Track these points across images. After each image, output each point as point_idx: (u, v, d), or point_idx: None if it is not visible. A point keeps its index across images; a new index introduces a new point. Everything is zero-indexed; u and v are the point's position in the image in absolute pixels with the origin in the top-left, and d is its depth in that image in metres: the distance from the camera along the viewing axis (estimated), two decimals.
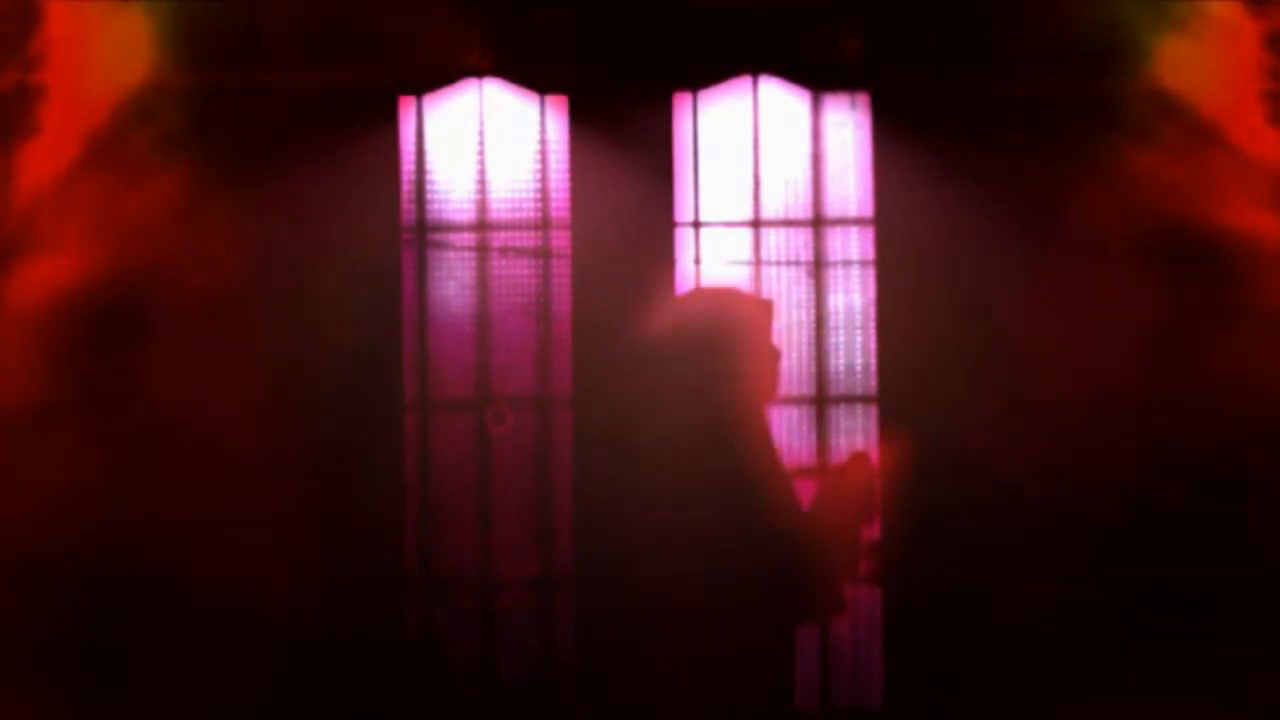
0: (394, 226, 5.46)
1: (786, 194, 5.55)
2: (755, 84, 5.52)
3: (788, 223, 5.55)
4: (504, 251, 5.51)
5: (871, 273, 5.51)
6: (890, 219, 5.47)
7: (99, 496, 5.11)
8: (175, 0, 5.15)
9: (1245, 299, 5.22)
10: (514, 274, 5.52)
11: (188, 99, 5.20)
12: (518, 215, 5.52)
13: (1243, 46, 5.12)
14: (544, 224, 5.51)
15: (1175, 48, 5.17)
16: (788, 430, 5.47)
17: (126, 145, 5.12)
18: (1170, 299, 5.29)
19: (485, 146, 5.51)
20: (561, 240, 5.50)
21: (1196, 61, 5.16)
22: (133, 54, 5.12)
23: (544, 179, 5.51)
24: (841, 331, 5.53)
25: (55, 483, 5.03)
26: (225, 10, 5.19)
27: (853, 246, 5.53)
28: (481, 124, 5.51)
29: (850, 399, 5.52)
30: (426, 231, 5.50)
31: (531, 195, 5.52)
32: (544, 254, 5.51)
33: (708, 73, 5.47)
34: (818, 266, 5.53)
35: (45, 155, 5.03)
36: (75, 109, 5.05)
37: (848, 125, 5.54)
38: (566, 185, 5.50)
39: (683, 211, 5.50)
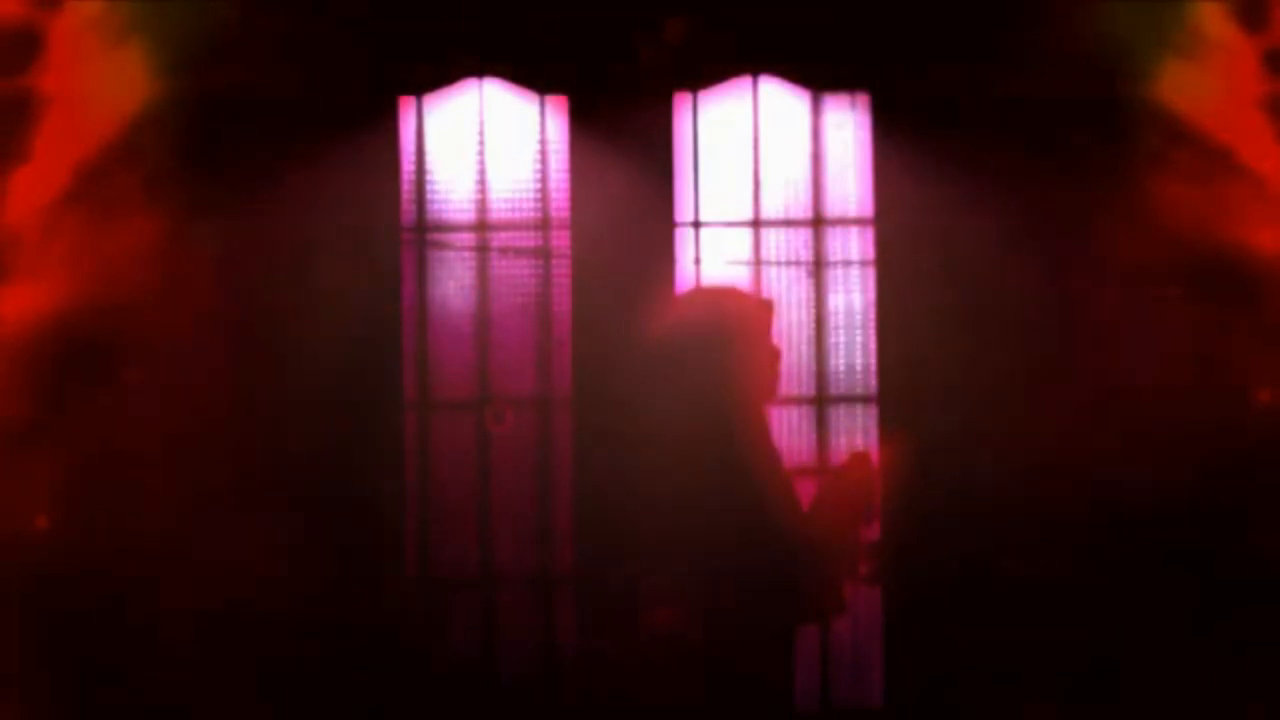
0: (394, 226, 5.46)
1: (786, 194, 5.55)
2: (755, 84, 5.52)
3: (788, 223, 5.55)
4: (504, 251, 5.51)
5: (871, 273, 5.51)
6: (890, 219, 5.47)
7: (97, 504, 5.12)
8: (172, 6, 5.15)
9: (1246, 303, 5.23)
10: (514, 274, 5.52)
11: (186, 102, 5.20)
12: (518, 215, 5.52)
13: (1241, 64, 5.13)
14: (544, 224, 5.52)
15: (1173, 63, 5.18)
16: (788, 430, 5.47)
17: (118, 174, 5.11)
18: (1172, 300, 5.29)
19: (485, 146, 5.51)
20: (561, 240, 5.50)
21: (1193, 75, 5.16)
22: (130, 84, 5.12)
23: (544, 179, 5.52)
24: (841, 331, 5.53)
25: (54, 493, 5.03)
26: (224, 12, 5.19)
27: (853, 246, 5.53)
28: (481, 124, 5.51)
29: (850, 399, 5.52)
30: (426, 231, 5.50)
31: (531, 195, 5.52)
32: (544, 254, 5.51)
33: (708, 73, 5.47)
34: (818, 266, 5.53)
35: (34, 183, 5.02)
36: (68, 138, 5.04)
37: (848, 125, 5.54)
38: (566, 185, 5.50)
39: (683, 211, 5.50)
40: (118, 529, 5.12)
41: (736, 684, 4.03)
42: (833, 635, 5.47)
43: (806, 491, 4.26)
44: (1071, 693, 5.26)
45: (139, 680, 5.14)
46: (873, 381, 5.50)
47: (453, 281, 5.52)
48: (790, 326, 5.50)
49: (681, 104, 5.50)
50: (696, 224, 5.51)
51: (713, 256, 5.51)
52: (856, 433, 5.51)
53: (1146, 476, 5.15)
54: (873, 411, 5.51)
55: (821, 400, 5.52)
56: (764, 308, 4.26)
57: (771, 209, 5.55)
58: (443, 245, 5.51)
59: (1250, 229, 5.17)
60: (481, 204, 5.52)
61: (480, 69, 5.46)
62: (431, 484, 5.49)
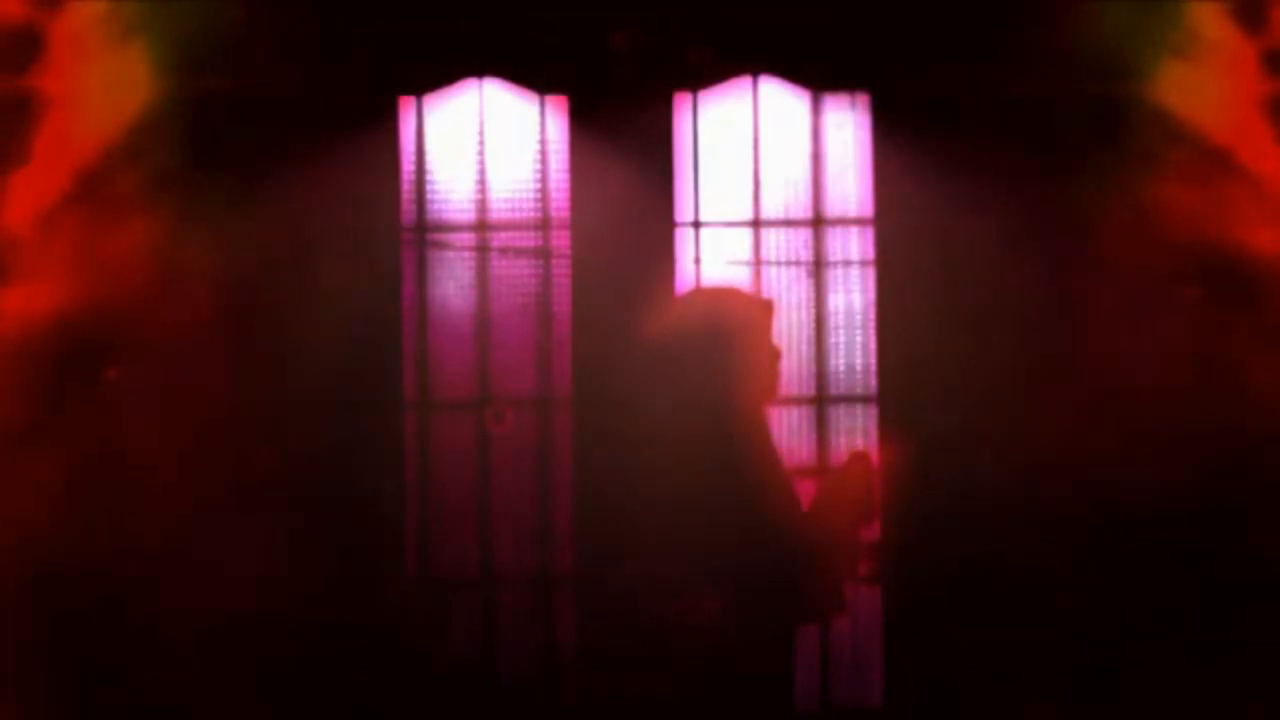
0: (394, 226, 5.46)
1: (786, 194, 5.55)
2: (755, 84, 5.52)
3: (788, 223, 5.55)
4: (504, 251, 5.51)
5: (871, 273, 5.51)
6: (890, 219, 5.47)
7: (97, 504, 5.12)
8: (172, 7, 5.15)
9: (1246, 303, 5.23)
10: (514, 274, 5.52)
11: (187, 102, 5.20)
12: (518, 215, 5.52)
13: (1240, 64, 5.13)
14: (544, 224, 5.52)
15: (1172, 64, 5.18)
16: (788, 430, 5.47)
17: (118, 174, 5.11)
18: (1172, 300, 5.29)
19: (485, 146, 5.51)
20: (561, 240, 5.50)
21: (1193, 76, 5.16)
22: (130, 85, 5.12)
23: (544, 179, 5.52)
24: (841, 331, 5.53)
25: (54, 493, 5.03)
26: (224, 14, 5.19)
27: (853, 246, 5.53)
28: (481, 124, 5.51)
29: (850, 399, 5.52)
30: (426, 231, 5.50)
31: (531, 195, 5.52)
32: (544, 254, 5.51)
33: (708, 73, 5.47)
34: (818, 266, 5.53)
35: (35, 184, 5.02)
36: (69, 139, 5.04)
37: (848, 125, 5.54)
38: (566, 185, 5.50)
39: (683, 211, 5.50)
40: (118, 529, 5.12)
41: (736, 684, 4.03)
42: (833, 635, 5.47)
43: (806, 491, 4.26)
44: (1071, 693, 5.26)
45: (139, 680, 5.14)
46: (873, 381, 5.50)
47: (453, 281, 5.52)
48: (790, 326, 5.50)
49: (681, 104, 5.50)
50: (696, 224, 5.51)
51: (713, 256, 5.51)
52: (856, 433, 5.51)
53: (1146, 476, 5.15)
54: (873, 411, 5.51)
55: (821, 400, 5.52)
56: (764, 308, 4.26)
57: (771, 209, 5.55)
58: (443, 245, 5.51)
59: (1250, 229, 5.17)
60: (481, 204, 5.52)
61: (480, 69, 5.46)
62: (431, 484, 5.49)
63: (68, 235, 5.06)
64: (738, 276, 5.46)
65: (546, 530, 5.49)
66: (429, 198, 5.51)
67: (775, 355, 4.23)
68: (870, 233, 5.52)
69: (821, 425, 5.51)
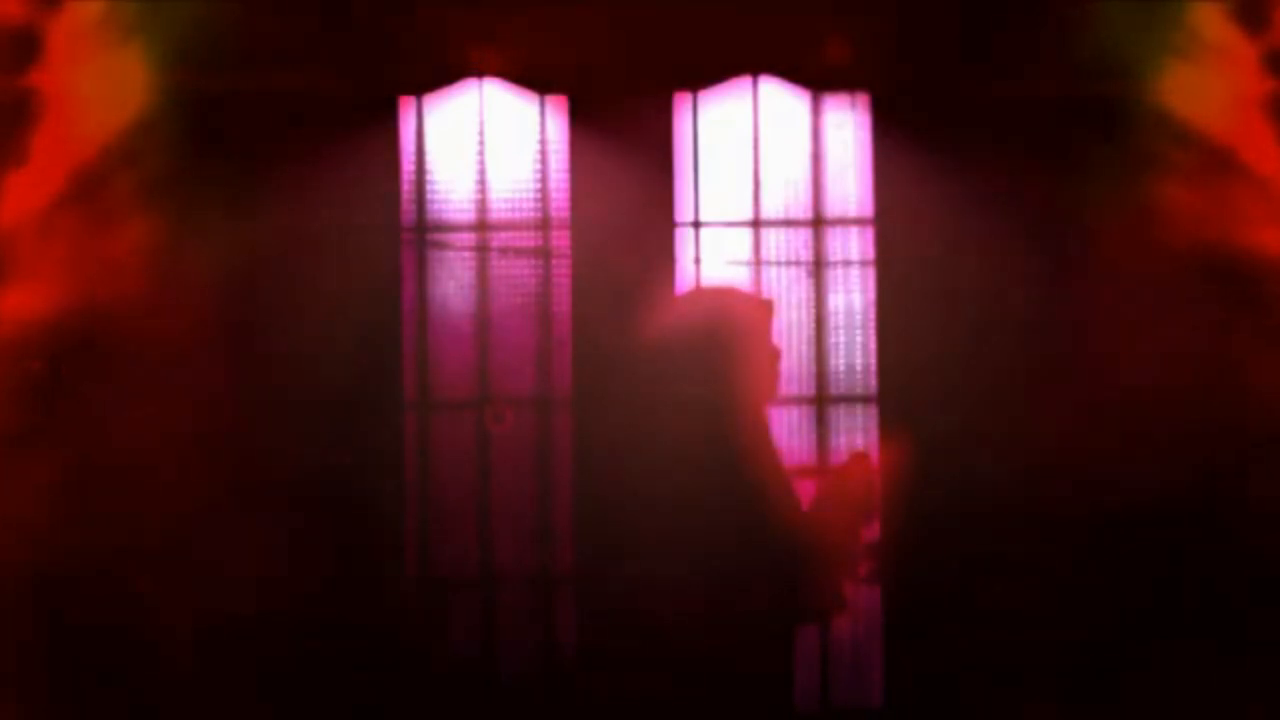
0: (394, 226, 5.46)
1: (786, 194, 5.55)
2: (755, 84, 5.52)
3: (788, 223, 5.55)
4: (504, 251, 5.51)
5: (871, 273, 5.51)
6: (890, 219, 5.47)
7: (97, 504, 5.11)
8: (174, 7, 5.15)
9: (1247, 303, 5.23)
10: (514, 274, 5.52)
11: (186, 103, 5.20)
12: (518, 215, 5.52)
13: (1241, 64, 5.13)
14: (544, 224, 5.52)
15: (1173, 64, 5.18)
16: (788, 430, 5.47)
17: (116, 174, 5.11)
18: (1172, 300, 5.29)
19: (485, 146, 5.51)
20: (561, 240, 5.50)
21: (1194, 76, 5.16)
22: (129, 85, 5.11)
23: (544, 179, 5.51)
24: (841, 331, 5.53)
25: (54, 494, 5.03)
26: (225, 14, 5.19)
27: (853, 246, 5.53)
28: (481, 124, 5.51)
29: (850, 399, 5.52)
30: (426, 231, 5.50)
31: (531, 195, 5.52)
32: (544, 254, 5.51)
33: (708, 73, 5.47)
34: (818, 266, 5.53)
35: (32, 184, 5.01)
36: (66, 139, 5.04)
37: (848, 125, 5.54)
38: (566, 185, 5.50)
39: (683, 211, 5.50)
40: (118, 529, 5.12)
41: (736, 684, 4.02)
42: (833, 635, 5.47)
43: (806, 491, 4.26)
44: (1071, 693, 5.26)
45: (138, 680, 5.14)
46: (873, 381, 5.50)
47: (453, 281, 5.52)
48: (790, 326, 5.50)
49: (681, 104, 5.50)
50: (696, 224, 5.50)
51: (713, 256, 5.51)
52: (856, 433, 5.51)
53: (1146, 476, 5.15)
54: (873, 411, 5.51)
55: (821, 400, 5.52)
56: (764, 308, 4.26)
57: (771, 209, 5.55)
58: (443, 245, 5.51)
59: (1251, 229, 5.17)
60: (481, 204, 5.52)
61: (480, 69, 5.46)
62: (431, 484, 5.49)
63: (65, 236, 5.06)
64: (738, 276, 5.46)
65: (546, 530, 5.49)
66: (429, 198, 5.51)
67: (775, 355, 4.23)
68: (870, 233, 5.51)
69: (821, 425, 5.51)
